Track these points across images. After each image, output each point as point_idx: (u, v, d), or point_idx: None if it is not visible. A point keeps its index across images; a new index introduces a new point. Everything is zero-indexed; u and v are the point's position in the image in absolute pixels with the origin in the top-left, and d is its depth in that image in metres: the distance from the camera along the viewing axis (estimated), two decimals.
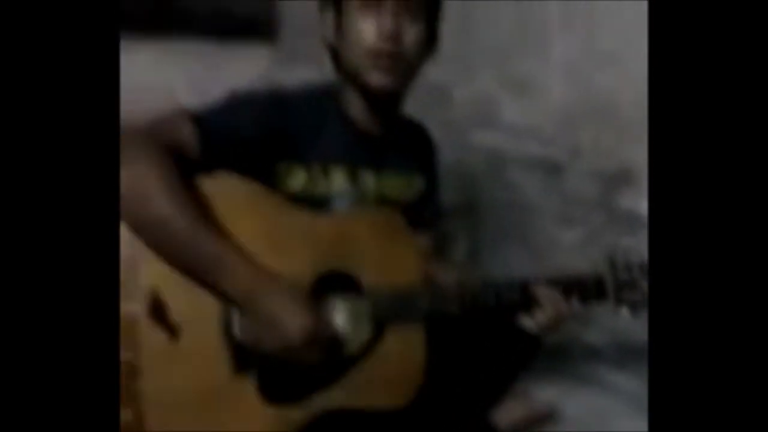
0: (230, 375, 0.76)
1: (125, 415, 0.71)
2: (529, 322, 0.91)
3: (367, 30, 0.85)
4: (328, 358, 0.80)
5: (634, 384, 1.26)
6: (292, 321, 0.74)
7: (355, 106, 0.91)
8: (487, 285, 0.89)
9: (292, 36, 1.89)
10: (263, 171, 0.83)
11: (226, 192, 0.79)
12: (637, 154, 1.56)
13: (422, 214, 1.02)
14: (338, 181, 0.89)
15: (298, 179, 0.86)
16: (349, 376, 0.81)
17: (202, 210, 0.75)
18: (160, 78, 1.64)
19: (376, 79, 0.86)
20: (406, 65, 0.88)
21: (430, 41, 0.92)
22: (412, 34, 0.86)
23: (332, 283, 0.83)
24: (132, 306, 0.74)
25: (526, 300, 0.90)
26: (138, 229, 0.74)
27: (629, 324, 0.97)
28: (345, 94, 0.92)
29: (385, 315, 0.84)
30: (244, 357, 0.77)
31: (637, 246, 1.46)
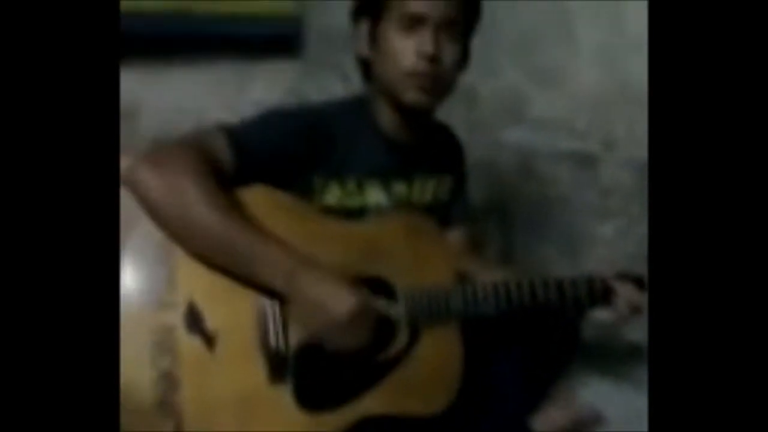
0: (267, 383, 0.77)
1: (165, 425, 0.73)
2: (605, 315, 0.91)
3: (407, 50, 0.85)
4: (370, 351, 0.79)
5: None
6: (337, 300, 0.74)
7: (386, 117, 0.92)
8: (521, 284, 0.87)
9: (318, 49, 1.91)
10: (298, 185, 0.85)
11: (260, 200, 0.80)
12: None
13: (452, 212, 1.04)
14: (372, 194, 0.91)
15: (333, 194, 0.88)
16: (386, 382, 0.81)
17: (237, 209, 0.77)
18: (192, 100, 1.68)
19: (413, 97, 0.87)
20: (443, 84, 0.88)
21: (464, 57, 0.92)
22: (449, 54, 0.86)
23: (366, 288, 0.82)
24: (169, 316, 0.75)
25: (563, 296, 0.88)
26: (176, 235, 0.76)
27: None
28: (375, 105, 0.92)
29: (419, 318, 0.84)
30: (281, 365, 0.78)
31: None
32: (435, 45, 0.83)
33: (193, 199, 0.74)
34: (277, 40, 1.92)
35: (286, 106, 0.92)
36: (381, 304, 0.82)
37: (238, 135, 0.82)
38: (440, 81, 0.87)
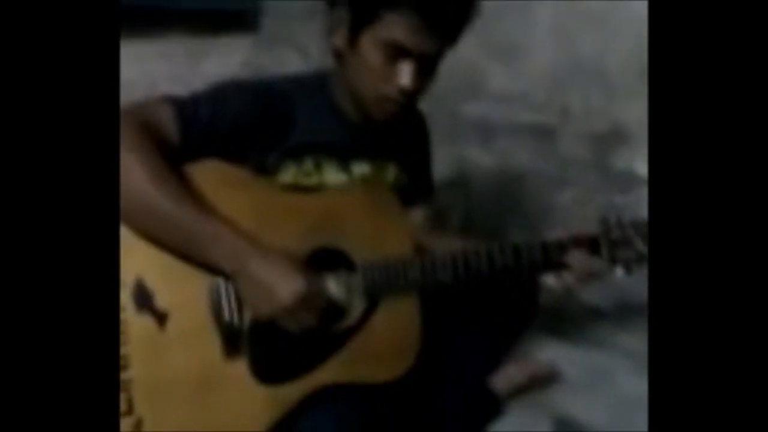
0: (221, 358, 0.76)
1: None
2: (552, 282, 0.90)
3: (385, 76, 0.83)
4: (324, 325, 0.79)
5: (635, 342, 1.27)
6: (283, 284, 0.73)
7: (348, 99, 0.90)
8: (479, 251, 0.88)
9: (274, 22, 1.87)
10: (251, 162, 0.83)
11: (211, 174, 0.78)
12: (629, 113, 1.55)
13: (416, 192, 1.03)
14: (331, 174, 0.89)
15: (289, 173, 0.86)
16: (343, 351, 0.81)
17: (184, 186, 0.74)
18: (143, 73, 1.62)
19: (380, 116, 0.87)
20: (411, 105, 0.89)
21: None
22: (424, 84, 0.86)
23: (323, 259, 0.83)
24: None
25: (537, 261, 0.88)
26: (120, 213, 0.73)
27: (628, 282, 0.97)
28: (337, 85, 0.90)
29: (377, 288, 0.84)
30: (235, 339, 0.77)
31: (632, 205, 1.46)
32: (414, 81, 0.82)
33: (136, 175, 0.71)
34: (233, 14, 1.86)
35: (241, 79, 0.88)
36: (330, 284, 0.82)
37: (185, 107, 0.79)
38: (409, 104, 0.88)
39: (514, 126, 1.66)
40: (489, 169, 1.69)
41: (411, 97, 0.86)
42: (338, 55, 0.89)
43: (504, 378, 1.11)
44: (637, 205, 1.49)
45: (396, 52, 0.82)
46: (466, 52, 1.68)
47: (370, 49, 0.82)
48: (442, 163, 1.53)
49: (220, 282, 0.77)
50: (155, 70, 1.63)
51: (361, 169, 0.93)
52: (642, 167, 1.53)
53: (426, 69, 0.85)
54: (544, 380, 1.17)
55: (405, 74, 0.82)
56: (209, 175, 0.78)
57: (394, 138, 0.97)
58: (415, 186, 1.03)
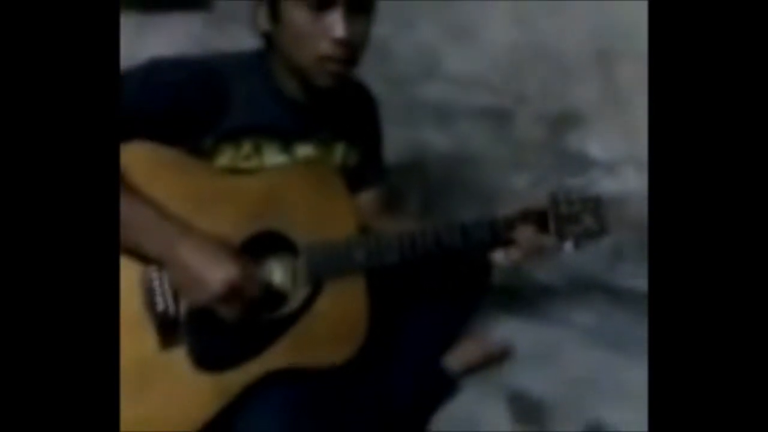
0: (157, 348, 0.74)
1: None
2: (501, 258, 0.89)
3: (317, 34, 0.78)
4: (265, 310, 0.77)
5: (586, 317, 1.29)
6: (213, 271, 0.71)
7: (289, 77, 0.86)
8: (426, 231, 0.86)
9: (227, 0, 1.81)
10: (186, 144, 0.79)
11: (142, 156, 0.75)
12: (583, 96, 1.57)
13: (366, 175, 1.00)
14: (271, 156, 0.86)
15: (226, 156, 0.82)
16: (287, 336, 0.80)
17: None
18: None
19: (325, 82, 0.82)
20: (353, 62, 0.84)
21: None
22: (360, 33, 0.81)
23: (264, 243, 0.80)
24: None
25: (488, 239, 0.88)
26: None
27: (579, 258, 0.97)
28: (275, 67, 0.86)
29: (321, 271, 0.82)
30: (171, 329, 0.74)
31: (584, 186, 1.48)
32: (347, 29, 0.78)
33: None
34: None
35: (175, 56, 0.84)
36: (272, 269, 0.80)
37: None
38: (351, 61, 0.83)
39: (470, 109, 1.65)
40: (445, 152, 1.68)
41: (351, 49, 0.81)
42: (269, 38, 0.85)
43: (457, 356, 1.11)
44: (590, 186, 1.51)
45: (321, 4, 0.78)
46: (423, 35, 1.68)
47: (294, 12, 0.79)
48: (398, 146, 1.52)
49: (153, 271, 0.74)
50: None
51: (305, 150, 0.90)
52: (594, 149, 1.55)
53: (358, 13, 0.80)
54: (498, 357, 1.17)
55: (336, 23, 0.78)
56: (139, 157, 0.75)
57: (341, 118, 0.94)
58: (366, 167, 1.00)
